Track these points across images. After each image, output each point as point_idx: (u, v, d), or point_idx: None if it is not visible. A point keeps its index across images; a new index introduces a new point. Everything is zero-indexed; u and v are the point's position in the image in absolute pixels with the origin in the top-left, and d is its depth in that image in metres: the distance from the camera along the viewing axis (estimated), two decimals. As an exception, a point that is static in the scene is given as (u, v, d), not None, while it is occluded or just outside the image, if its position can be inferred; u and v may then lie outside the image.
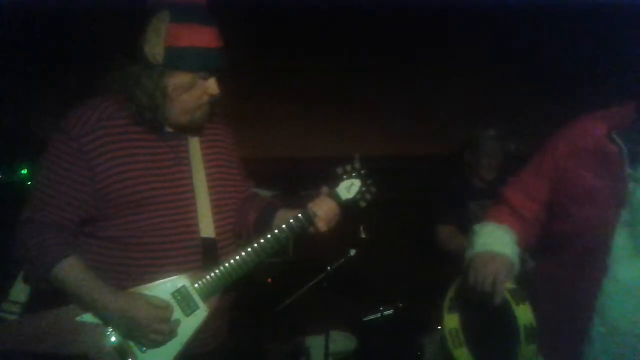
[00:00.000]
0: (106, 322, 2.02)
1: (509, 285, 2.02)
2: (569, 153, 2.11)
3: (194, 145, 2.20)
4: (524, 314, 1.95)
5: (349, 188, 2.23)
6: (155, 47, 1.99)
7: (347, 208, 2.25)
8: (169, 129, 2.14)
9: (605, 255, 2.01)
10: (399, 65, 4.49)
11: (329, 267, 3.42)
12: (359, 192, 2.24)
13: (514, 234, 2.18)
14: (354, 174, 2.24)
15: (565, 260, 2.11)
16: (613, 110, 2.11)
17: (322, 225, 2.19)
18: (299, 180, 4.09)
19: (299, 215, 2.18)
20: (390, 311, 3.40)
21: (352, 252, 3.37)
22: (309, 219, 2.19)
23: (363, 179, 2.25)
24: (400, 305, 3.39)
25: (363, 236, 3.37)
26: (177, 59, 2.00)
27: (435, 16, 4.20)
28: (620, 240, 2.00)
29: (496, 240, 2.15)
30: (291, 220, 2.17)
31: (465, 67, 4.51)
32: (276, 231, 2.16)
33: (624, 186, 1.99)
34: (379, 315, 3.43)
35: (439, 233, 3.68)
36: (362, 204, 2.27)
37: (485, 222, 2.24)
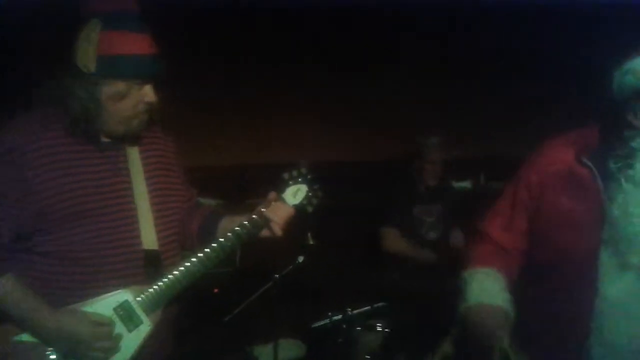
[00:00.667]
0: (45, 341, 1.95)
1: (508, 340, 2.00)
2: (542, 181, 2.14)
3: (133, 155, 2.15)
4: None
5: (295, 194, 2.21)
6: (87, 56, 1.93)
7: (295, 215, 2.23)
8: (106, 139, 2.08)
9: (593, 275, 2.04)
10: (348, 74, 4.51)
11: (277, 275, 3.39)
12: (306, 197, 2.23)
13: (502, 276, 2.17)
14: (300, 180, 2.22)
15: (553, 286, 2.13)
16: (576, 134, 2.17)
17: (277, 229, 2.17)
18: (244, 188, 4.07)
19: (245, 222, 2.15)
20: (340, 316, 3.39)
21: (301, 259, 3.35)
22: (256, 226, 2.16)
23: (309, 184, 2.24)
24: (349, 310, 3.38)
25: (311, 242, 3.35)
26: (110, 67, 1.95)
27: (387, 25, 4.24)
28: (606, 259, 2.04)
29: (489, 290, 2.13)
30: (237, 228, 2.14)
31: (414, 75, 4.57)
32: (221, 239, 2.12)
33: (600, 206, 2.04)
34: (328, 321, 3.41)
35: (384, 235, 3.73)
36: (309, 209, 2.25)
37: (472, 267, 2.22)
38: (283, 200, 2.21)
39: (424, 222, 3.79)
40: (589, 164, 2.06)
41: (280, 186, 2.22)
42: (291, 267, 3.39)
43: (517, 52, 4.41)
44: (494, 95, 4.78)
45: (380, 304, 3.43)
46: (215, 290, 3.68)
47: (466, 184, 4.06)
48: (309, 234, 3.43)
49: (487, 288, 2.14)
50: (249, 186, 4.12)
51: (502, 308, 2.09)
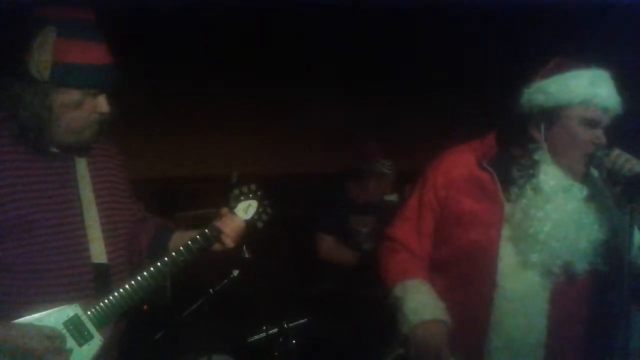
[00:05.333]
0: (-8, 356, 1.87)
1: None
2: (447, 184, 2.31)
3: (81, 166, 2.10)
4: None
5: (246, 209, 2.24)
6: (41, 63, 1.89)
7: (246, 229, 2.25)
8: (55, 149, 2.03)
9: (493, 271, 2.20)
10: (286, 88, 4.55)
11: (211, 290, 3.36)
12: (257, 213, 2.26)
13: (429, 285, 2.29)
14: (250, 195, 2.25)
15: (453, 282, 2.27)
16: (476, 143, 2.36)
17: (229, 242, 2.19)
18: (172, 201, 4.01)
19: (197, 236, 2.15)
20: (275, 330, 3.39)
21: (236, 272, 3.33)
22: (207, 240, 2.16)
23: (260, 200, 2.27)
24: (285, 323, 3.38)
25: (247, 256, 3.34)
26: (64, 75, 1.91)
27: (323, 38, 4.31)
28: (506, 256, 2.21)
29: (427, 305, 2.23)
30: (189, 242, 2.13)
31: (346, 89, 4.66)
32: (174, 253, 2.11)
33: (500, 207, 2.23)
34: (264, 335, 3.40)
35: (320, 242, 3.77)
36: (260, 224, 2.28)
37: (399, 280, 2.30)
38: (235, 215, 2.23)
39: (359, 233, 3.86)
40: (489, 168, 2.26)
41: (231, 202, 2.24)
42: (226, 281, 3.36)
43: (441, 68, 4.58)
44: (416, 110, 4.94)
45: (315, 316, 3.45)
46: (145, 308, 3.59)
47: (393, 198, 4.16)
48: (244, 247, 3.42)
49: (424, 302, 2.25)
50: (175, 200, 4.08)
51: (443, 321, 2.21)
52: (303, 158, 4.71)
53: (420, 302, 2.24)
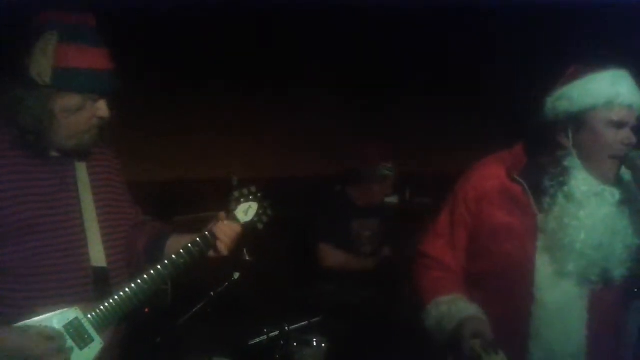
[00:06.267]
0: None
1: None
2: (478, 197, 2.29)
3: (81, 170, 2.12)
4: None
5: (246, 211, 2.24)
6: (42, 68, 1.90)
7: (245, 231, 2.25)
8: (54, 154, 2.05)
9: (530, 283, 2.19)
10: (286, 90, 4.55)
11: (212, 293, 3.36)
12: (257, 214, 2.26)
13: (465, 297, 2.26)
14: (251, 197, 2.25)
15: (489, 296, 2.25)
16: (504, 154, 2.35)
17: (223, 248, 2.18)
18: (170, 204, 4.01)
19: (198, 239, 2.15)
20: (277, 332, 3.39)
21: (236, 275, 3.33)
22: (208, 243, 2.16)
23: (260, 202, 2.27)
24: (286, 326, 3.38)
25: (247, 258, 3.35)
26: (66, 79, 1.92)
27: (319, 43, 4.32)
28: (542, 267, 2.19)
29: (464, 308, 2.21)
30: (189, 245, 2.13)
31: (345, 91, 4.66)
32: (174, 257, 2.11)
33: (533, 218, 2.21)
34: (264, 337, 3.40)
35: (320, 250, 3.76)
36: (260, 226, 2.28)
37: (434, 298, 2.28)
38: (235, 218, 2.23)
39: (361, 236, 3.86)
40: (520, 180, 2.24)
41: (231, 204, 2.23)
42: (227, 283, 3.37)
43: (443, 69, 4.59)
44: (417, 111, 4.94)
45: (317, 319, 3.45)
46: (146, 310, 3.59)
47: (393, 199, 4.17)
48: (245, 250, 3.43)
49: (463, 306, 2.23)
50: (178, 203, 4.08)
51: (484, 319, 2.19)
52: (303, 161, 4.70)
53: (460, 305, 2.23)
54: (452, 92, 4.67)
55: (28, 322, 1.92)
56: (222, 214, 2.22)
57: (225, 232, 2.19)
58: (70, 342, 1.96)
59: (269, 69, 4.39)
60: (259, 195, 2.28)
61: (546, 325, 2.18)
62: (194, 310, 3.37)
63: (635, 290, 2.22)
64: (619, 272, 2.14)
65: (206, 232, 2.17)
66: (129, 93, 3.87)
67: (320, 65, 4.53)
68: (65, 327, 1.96)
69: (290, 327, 3.38)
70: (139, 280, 2.07)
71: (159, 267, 2.09)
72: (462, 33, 4.18)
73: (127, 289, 2.05)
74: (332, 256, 3.77)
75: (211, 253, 2.20)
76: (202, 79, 4.18)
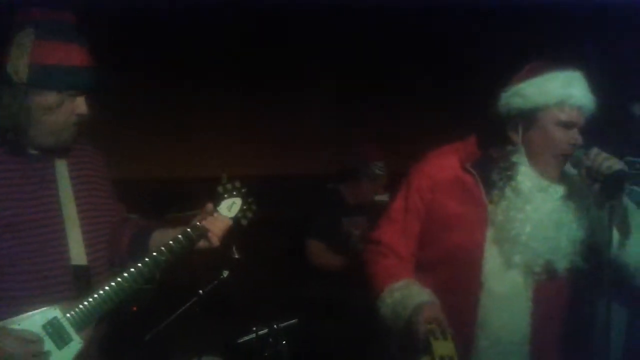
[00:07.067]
0: (-31, 360, 1.87)
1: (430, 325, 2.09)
2: (432, 186, 2.32)
3: (61, 168, 2.09)
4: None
5: (230, 207, 2.20)
6: (19, 65, 1.89)
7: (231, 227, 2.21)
8: (34, 151, 2.03)
9: (478, 273, 2.22)
10: (279, 90, 4.55)
11: (201, 291, 3.35)
12: (241, 210, 2.21)
13: (417, 282, 2.27)
14: (234, 193, 2.21)
15: (439, 284, 2.27)
16: (459, 144, 2.38)
17: (215, 240, 2.14)
18: (161, 202, 4.00)
19: (179, 236, 2.12)
20: (266, 331, 3.37)
21: (225, 273, 3.32)
22: (190, 239, 2.13)
23: (244, 197, 2.23)
24: (275, 324, 3.37)
25: (236, 256, 3.33)
26: (43, 77, 1.90)
27: (311, 41, 4.31)
28: (490, 258, 2.23)
29: (418, 293, 2.22)
30: (171, 242, 2.10)
31: (336, 91, 4.65)
32: (155, 254, 2.08)
33: (484, 209, 2.26)
34: (253, 336, 3.39)
35: (310, 248, 3.76)
36: (244, 222, 2.23)
37: (387, 285, 2.28)
38: (218, 214, 2.20)
39: (351, 235, 3.86)
40: (472, 171, 2.29)
41: (215, 200, 2.20)
42: (216, 282, 3.35)
43: (427, 73, 4.58)
44: (405, 111, 4.93)
45: (305, 317, 3.43)
46: (134, 309, 3.58)
47: (385, 198, 4.16)
48: (234, 248, 3.41)
49: (417, 291, 2.24)
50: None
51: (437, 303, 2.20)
52: (295, 159, 4.69)
53: (413, 291, 2.24)
54: (447, 92, 4.65)
55: (7, 321, 1.90)
56: (210, 206, 2.18)
57: (214, 224, 2.15)
58: (49, 343, 1.94)
59: (260, 69, 4.38)
60: (243, 190, 2.23)
61: (493, 314, 2.22)
62: (183, 308, 3.35)
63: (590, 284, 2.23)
64: (562, 264, 2.19)
65: (188, 229, 2.14)
66: (126, 92, 3.92)
67: (310, 63, 4.51)
68: (44, 326, 1.94)
69: (279, 325, 3.37)
70: (119, 279, 2.04)
71: (139, 264, 2.07)
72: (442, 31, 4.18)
73: (107, 288, 2.03)
74: (323, 253, 3.76)
75: (202, 245, 2.16)
76: (196, 79, 4.19)
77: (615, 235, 2.10)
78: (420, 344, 2.08)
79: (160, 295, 3.41)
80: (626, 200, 2.16)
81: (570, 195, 2.22)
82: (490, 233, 2.24)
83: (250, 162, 4.39)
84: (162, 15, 3.64)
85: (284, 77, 4.52)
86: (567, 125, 2.17)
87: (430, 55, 4.47)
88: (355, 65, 4.59)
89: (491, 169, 2.27)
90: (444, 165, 2.33)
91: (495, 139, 2.30)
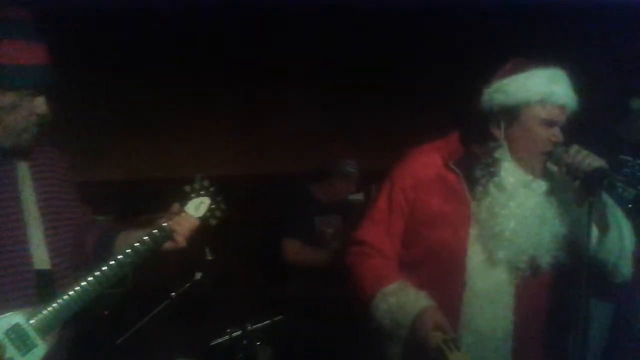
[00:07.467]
0: None
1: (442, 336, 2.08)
2: (415, 185, 2.31)
3: (23, 170, 2.04)
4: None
5: (197, 207, 2.14)
6: None
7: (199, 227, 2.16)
8: None
9: (461, 270, 2.23)
10: (252, 90, 4.52)
11: (173, 293, 3.31)
12: (209, 210, 2.16)
13: (409, 283, 2.25)
14: (202, 192, 2.15)
15: (423, 281, 2.25)
16: (440, 142, 2.38)
17: (181, 240, 2.09)
18: (135, 203, 3.95)
19: (145, 237, 2.07)
20: (239, 332, 3.34)
21: (199, 275, 3.28)
22: (156, 241, 2.08)
23: (212, 196, 2.17)
24: (249, 325, 3.34)
25: (209, 258, 3.30)
26: None
27: (285, 40, 4.30)
28: (474, 255, 2.24)
29: (416, 298, 2.20)
30: (136, 244, 2.06)
31: (310, 88, 4.63)
32: (120, 256, 2.04)
33: (467, 206, 2.26)
34: (227, 337, 3.36)
35: (286, 247, 3.74)
36: (213, 222, 2.17)
37: (378, 289, 2.25)
38: (185, 214, 2.15)
39: (325, 234, 3.85)
40: (455, 169, 2.29)
41: (182, 199, 2.14)
42: (189, 284, 3.32)
43: (407, 68, 4.58)
44: (382, 109, 4.92)
45: (279, 317, 3.41)
46: (105, 313, 3.53)
47: (359, 197, 4.15)
48: (207, 249, 3.38)
49: (415, 295, 2.21)
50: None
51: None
52: (269, 159, 4.66)
53: (410, 295, 2.21)
54: (420, 90, 4.65)
55: None
56: (177, 206, 2.13)
57: (181, 224, 2.10)
58: (11, 349, 1.90)
59: (235, 69, 4.36)
60: (211, 189, 2.17)
61: (477, 311, 2.23)
62: (155, 311, 3.32)
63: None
64: (545, 260, 2.21)
65: (154, 230, 2.09)
66: (96, 92, 3.87)
67: (286, 64, 4.49)
68: (6, 332, 1.90)
69: (253, 327, 3.34)
70: (83, 283, 2.00)
71: (104, 267, 2.03)
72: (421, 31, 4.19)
73: (71, 292, 1.98)
74: (296, 251, 3.75)
75: (169, 246, 2.10)
76: (169, 79, 4.17)
77: (595, 231, 2.11)
78: (432, 353, 2.07)
79: (132, 298, 3.37)
80: (605, 197, 2.16)
81: (553, 191, 2.23)
82: (474, 230, 2.24)
83: (224, 162, 4.37)
84: (159, 15, 3.62)
85: (256, 77, 4.49)
86: (549, 123, 2.18)
87: (412, 54, 4.47)
88: (333, 64, 4.58)
89: (474, 165, 2.28)
90: (427, 163, 2.33)
91: (478, 135, 2.30)
